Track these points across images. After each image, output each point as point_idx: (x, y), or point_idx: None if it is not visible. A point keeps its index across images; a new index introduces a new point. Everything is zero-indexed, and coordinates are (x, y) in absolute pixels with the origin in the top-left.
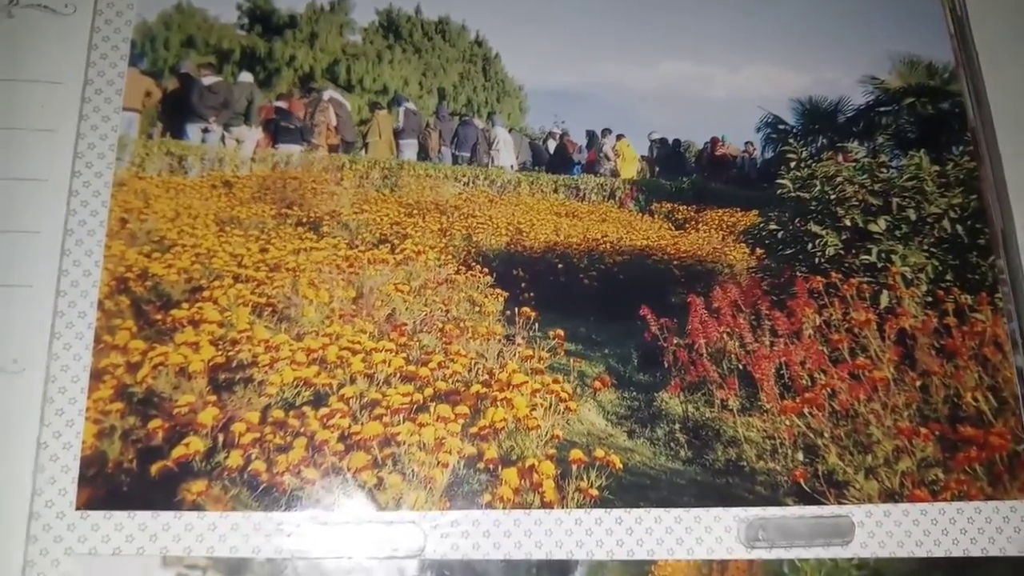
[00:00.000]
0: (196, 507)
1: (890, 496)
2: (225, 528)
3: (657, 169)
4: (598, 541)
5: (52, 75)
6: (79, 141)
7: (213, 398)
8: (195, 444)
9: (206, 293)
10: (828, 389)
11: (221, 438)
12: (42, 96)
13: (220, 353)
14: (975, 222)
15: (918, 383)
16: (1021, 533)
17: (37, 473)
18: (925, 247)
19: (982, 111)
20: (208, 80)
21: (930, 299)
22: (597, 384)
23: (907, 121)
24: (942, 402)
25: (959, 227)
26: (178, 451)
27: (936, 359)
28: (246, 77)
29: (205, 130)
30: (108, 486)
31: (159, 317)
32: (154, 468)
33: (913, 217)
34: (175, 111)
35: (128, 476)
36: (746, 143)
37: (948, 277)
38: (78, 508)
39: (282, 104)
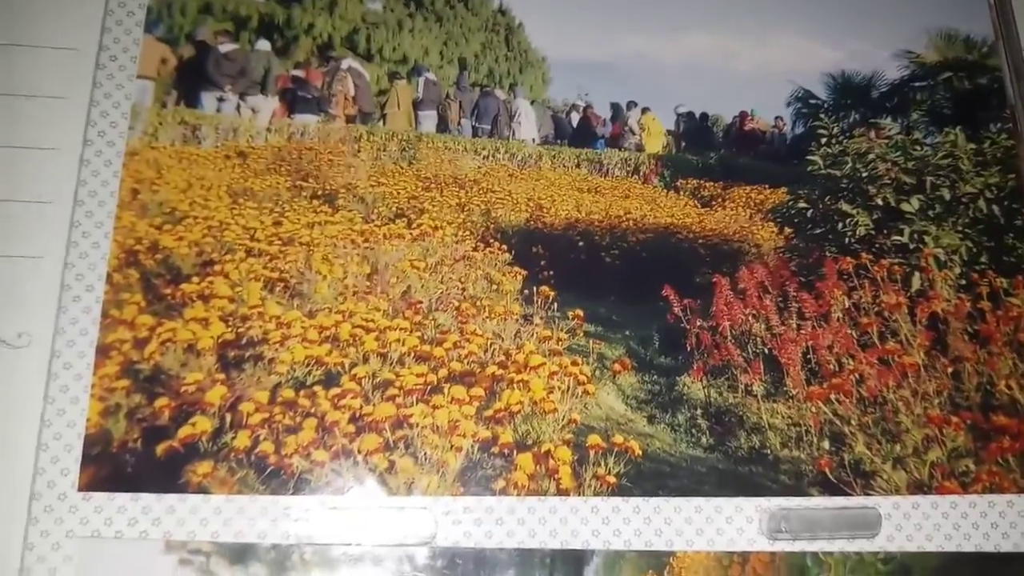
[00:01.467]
0: (201, 489)
1: (919, 487)
2: (231, 512)
3: (683, 144)
4: (615, 531)
5: (67, 41)
6: (92, 109)
7: (221, 376)
8: (202, 424)
9: (217, 267)
10: (856, 375)
11: (229, 418)
12: (57, 62)
13: (230, 329)
14: (1012, 202)
15: (950, 370)
16: None
17: (39, 452)
18: (959, 228)
19: (1022, 87)
20: (225, 47)
21: (963, 282)
22: (617, 367)
23: (943, 97)
24: (974, 390)
25: (995, 207)
26: (184, 431)
27: (969, 345)
28: (263, 45)
29: (220, 99)
30: (112, 466)
31: (168, 291)
32: (159, 448)
33: (947, 197)
34: (190, 79)
35: (133, 456)
36: (776, 118)
37: (983, 259)
38: (80, 489)
39: (299, 73)
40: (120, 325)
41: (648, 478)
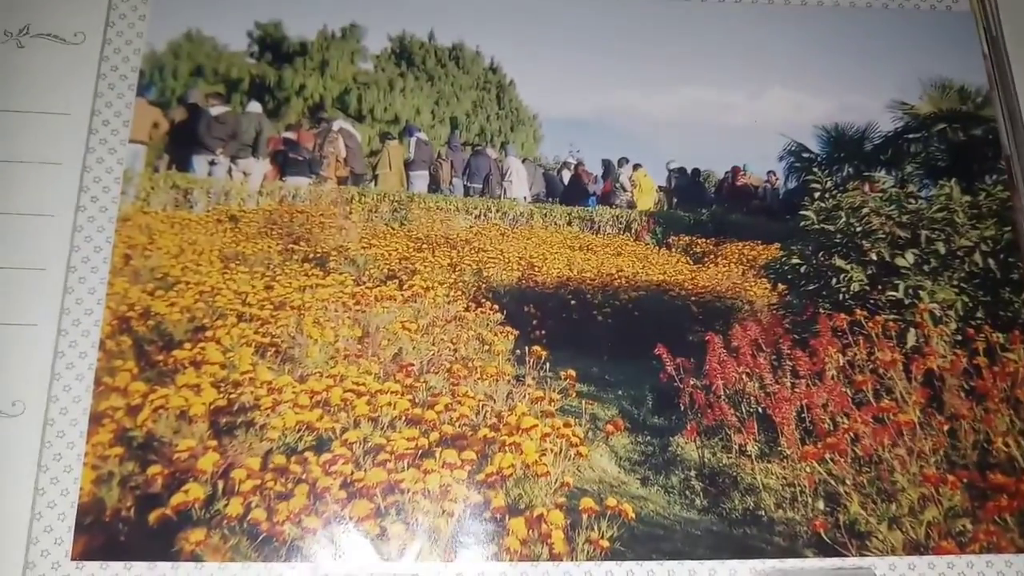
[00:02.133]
0: (194, 557)
1: (915, 547)
2: None
3: (675, 200)
4: None
5: (60, 106)
6: (85, 174)
7: (214, 443)
8: (194, 491)
9: (209, 333)
10: (851, 433)
11: (221, 485)
12: (50, 128)
13: (222, 395)
14: (1008, 256)
15: (946, 427)
16: None
17: (33, 520)
18: (955, 282)
19: (1017, 137)
20: (216, 110)
21: (959, 338)
22: (610, 428)
23: (937, 148)
24: (971, 448)
25: (991, 261)
26: (177, 498)
27: (965, 402)
28: (255, 107)
29: (212, 162)
30: (105, 535)
31: (161, 358)
32: (152, 516)
33: (943, 250)
34: (182, 142)
35: (126, 525)
36: (768, 172)
37: (979, 314)
38: (74, 558)
39: (291, 135)
40: (113, 392)
41: (641, 541)
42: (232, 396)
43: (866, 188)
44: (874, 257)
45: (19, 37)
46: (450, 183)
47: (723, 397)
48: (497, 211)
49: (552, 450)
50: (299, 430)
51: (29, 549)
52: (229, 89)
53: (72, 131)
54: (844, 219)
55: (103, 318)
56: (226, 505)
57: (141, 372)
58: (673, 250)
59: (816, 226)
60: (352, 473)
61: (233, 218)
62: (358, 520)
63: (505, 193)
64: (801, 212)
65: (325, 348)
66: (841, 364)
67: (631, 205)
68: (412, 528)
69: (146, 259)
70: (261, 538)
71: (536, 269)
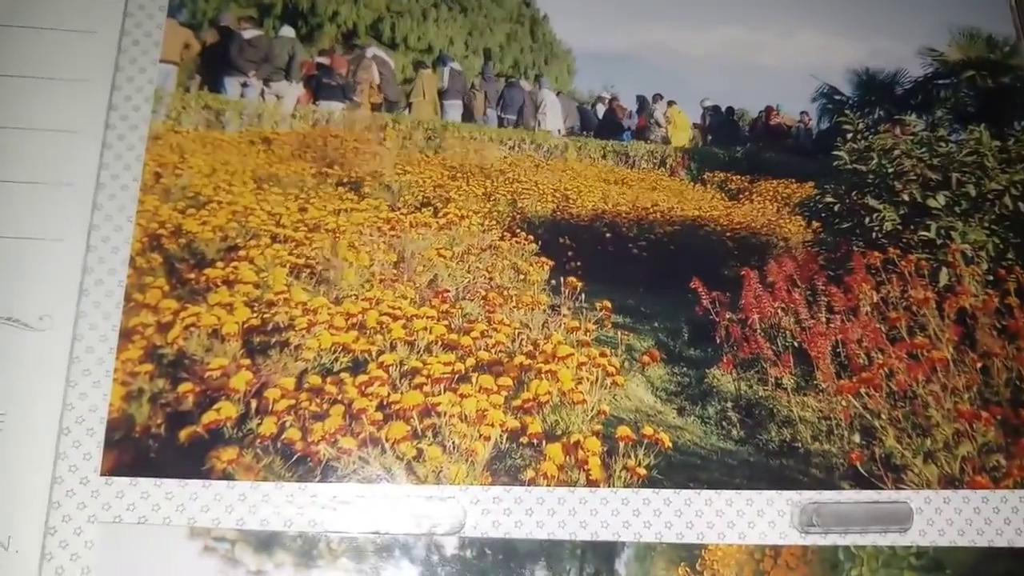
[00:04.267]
0: (226, 476)
1: (950, 482)
2: (256, 499)
3: (710, 137)
4: (646, 522)
5: (87, 24)
6: (114, 93)
7: (247, 362)
8: (227, 410)
9: (242, 252)
10: (886, 369)
11: (254, 404)
12: (76, 47)
13: (255, 315)
14: None
15: (979, 365)
16: None
17: (61, 436)
18: (986, 224)
19: None
20: (248, 34)
21: (991, 278)
22: (646, 358)
23: (967, 95)
24: (1004, 385)
25: (1021, 204)
26: (209, 416)
27: (998, 340)
28: (287, 31)
29: (244, 84)
30: (135, 451)
31: (192, 276)
32: (183, 434)
33: (973, 193)
34: (214, 64)
35: (156, 442)
36: (801, 113)
37: (1010, 256)
38: (103, 474)
39: (324, 60)
40: (143, 309)
41: (678, 470)
42: (266, 316)
43: (897, 131)
44: (906, 198)
45: None
46: (484, 113)
47: (759, 331)
48: (531, 143)
49: (588, 379)
50: (335, 351)
51: (57, 464)
52: (261, 13)
53: (100, 49)
54: (876, 160)
55: (133, 235)
56: (259, 424)
57: (172, 290)
58: (708, 186)
59: (849, 166)
60: (388, 395)
61: (266, 140)
62: (395, 442)
63: (539, 125)
64: (834, 152)
65: (360, 271)
66: (875, 301)
67: (666, 141)
68: (449, 451)
69: (177, 178)
70: (295, 458)
71: (571, 201)
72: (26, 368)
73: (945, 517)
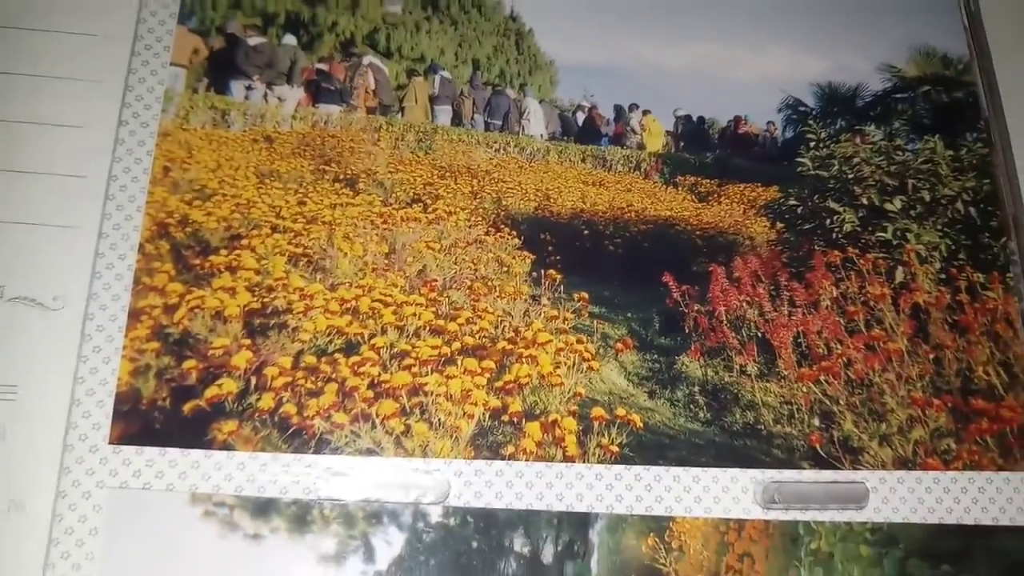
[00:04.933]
0: (226, 446)
1: (903, 463)
2: (254, 468)
3: (681, 144)
4: (618, 496)
5: (103, 29)
6: (127, 93)
7: (247, 342)
8: (228, 385)
9: (244, 241)
10: (844, 358)
11: (254, 380)
12: (93, 49)
13: (256, 299)
14: (987, 205)
15: (931, 356)
16: None
17: (73, 407)
18: (939, 227)
19: (994, 101)
20: (253, 41)
21: (943, 276)
22: (619, 346)
23: (923, 108)
24: (954, 375)
25: (972, 209)
26: (211, 391)
27: (949, 333)
28: (290, 40)
29: (249, 87)
30: (141, 422)
31: (197, 262)
32: (187, 407)
33: (928, 198)
34: (221, 68)
35: (161, 413)
36: (768, 122)
37: (961, 256)
38: (111, 442)
39: (323, 66)
40: (151, 292)
41: (649, 448)
42: (266, 300)
43: (857, 140)
44: (865, 202)
45: None
46: (472, 118)
47: (725, 322)
48: (515, 146)
49: (566, 363)
50: (329, 334)
51: (68, 433)
52: (266, 22)
53: (115, 53)
54: (837, 167)
55: (142, 223)
56: (258, 399)
57: (178, 274)
58: (679, 189)
59: (811, 172)
60: (379, 375)
61: (268, 138)
62: (384, 418)
63: (523, 131)
64: (798, 159)
65: (354, 261)
66: (835, 296)
67: (641, 147)
68: (435, 427)
69: (185, 171)
70: (291, 431)
71: (552, 200)
72: (41, 344)
73: (899, 496)
